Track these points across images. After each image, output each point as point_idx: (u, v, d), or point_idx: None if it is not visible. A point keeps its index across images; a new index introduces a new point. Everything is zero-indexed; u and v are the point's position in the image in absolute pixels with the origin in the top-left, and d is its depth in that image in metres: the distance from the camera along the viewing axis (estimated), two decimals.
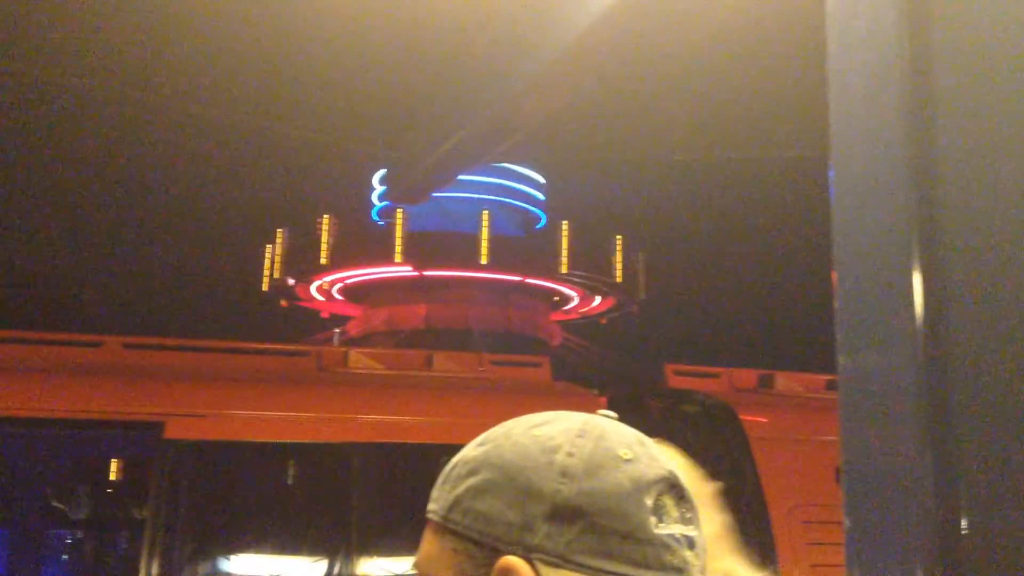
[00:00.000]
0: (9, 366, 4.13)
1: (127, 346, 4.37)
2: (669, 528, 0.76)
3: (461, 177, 12.36)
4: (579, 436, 0.78)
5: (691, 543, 0.77)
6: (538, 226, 21.45)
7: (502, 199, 20.31)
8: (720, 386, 5.17)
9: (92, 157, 20.83)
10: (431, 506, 0.81)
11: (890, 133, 1.29)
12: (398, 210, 18.58)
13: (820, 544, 4.37)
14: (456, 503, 0.78)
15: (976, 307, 1.12)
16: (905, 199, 1.24)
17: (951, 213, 1.16)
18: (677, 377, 5.12)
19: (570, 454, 0.77)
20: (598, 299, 21.24)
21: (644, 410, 4.66)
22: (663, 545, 0.75)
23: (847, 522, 1.27)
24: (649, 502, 0.76)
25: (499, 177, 19.82)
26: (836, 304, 1.33)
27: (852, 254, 1.32)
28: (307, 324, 21.14)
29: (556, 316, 21.71)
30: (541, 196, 21.41)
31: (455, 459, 0.82)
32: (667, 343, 20.11)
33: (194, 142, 18.34)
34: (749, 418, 4.73)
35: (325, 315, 21.72)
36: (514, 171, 20.35)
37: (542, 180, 21.34)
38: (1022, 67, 1.14)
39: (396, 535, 4.09)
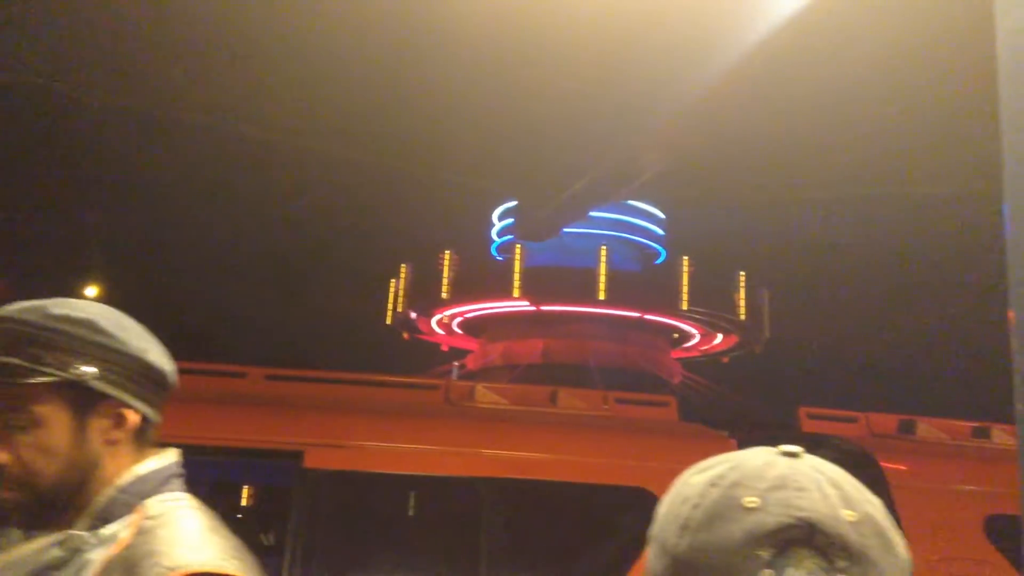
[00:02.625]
0: None
1: (269, 377, 4.55)
2: None
3: None
4: (712, 485, 0.77)
5: None
6: (657, 261, 21.24)
7: (620, 234, 20.22)
8: (857, 431, 4.95)
9: (227, 193, 21.97)
10: None
11: None
12: (517, 245, 18.77)
13: None
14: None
15: None
16: None
17: None
18: (811, 421, 4.93)
19: (696, 505, 0.76)
20: (720, 337, 20.78)
21: None
22: None
23: None
24: (764, 554, 0.72)
25: (617, 212, 19.76)
26: (1013, 346, 1.27)
27: None
28: (427, 357, 21.53)
29: (676, 354, 21.35)
30: (660, 231, 21.21)
31: None
32: (794, 385, 19.40)
33: (324, 179, 19.09)
34: (889, 465, 4.50)
35: (445, 348, 22.08)
36: (633, 206, 20.25)
37: (661, 215, 21.15)
38: None
39: (521, 570, 4.08)
